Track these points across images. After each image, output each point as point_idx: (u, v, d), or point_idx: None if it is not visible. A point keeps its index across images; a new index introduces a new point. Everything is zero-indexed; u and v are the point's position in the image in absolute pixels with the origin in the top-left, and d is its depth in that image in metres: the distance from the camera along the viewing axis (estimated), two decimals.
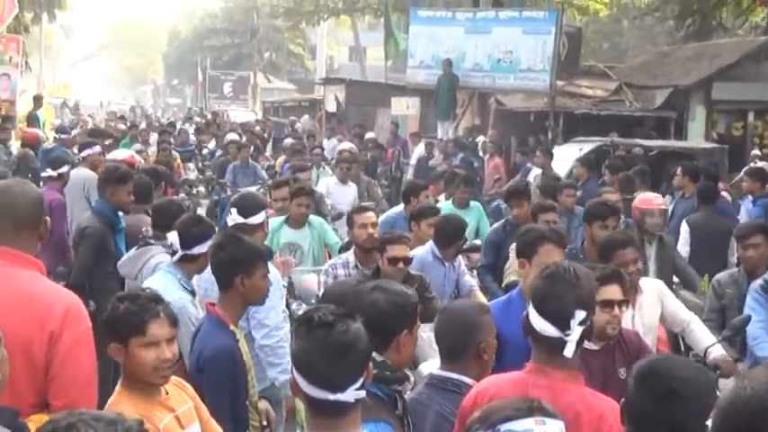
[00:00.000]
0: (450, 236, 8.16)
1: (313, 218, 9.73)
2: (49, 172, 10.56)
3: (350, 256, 7.89)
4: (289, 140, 21.00)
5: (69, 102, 50.36)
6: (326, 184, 13.29)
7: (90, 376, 4.01)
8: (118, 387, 4.08)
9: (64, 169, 10.46)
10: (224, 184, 15.99)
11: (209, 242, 5.75)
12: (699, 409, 3.00)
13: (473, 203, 11.29)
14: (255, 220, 6.73)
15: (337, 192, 12.81)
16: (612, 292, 4.94)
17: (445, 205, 10.92)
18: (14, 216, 4.09)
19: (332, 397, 2.97)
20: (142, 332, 3.95)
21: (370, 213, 8.02)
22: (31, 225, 4.14)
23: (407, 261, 7.06)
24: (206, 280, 5.98)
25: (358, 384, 3.01)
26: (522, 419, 2.90)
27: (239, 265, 4.93)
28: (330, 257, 9.67)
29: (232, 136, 20.89)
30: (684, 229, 10.29)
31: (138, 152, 15.40)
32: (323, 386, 2.98)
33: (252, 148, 18.90)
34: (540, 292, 3.78)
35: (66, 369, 3.92)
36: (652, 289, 6.39)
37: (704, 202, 10.78)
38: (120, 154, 13.23)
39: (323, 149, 18.42)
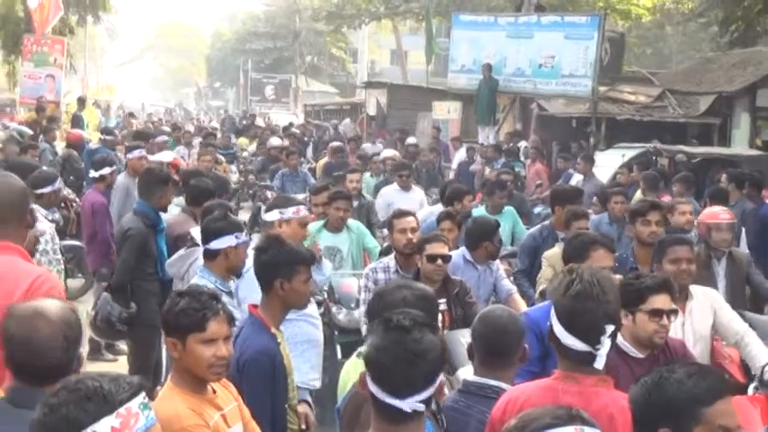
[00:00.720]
0: (477, 237, 8.13)
1: (351, 222, 9.72)
2: (92, 173, 10.67)
3: (390, 260, 7.86)
4: (335, 143, 20.93)
5: (113, 103, 50.74)
6: (388, 192, 13.08)
7: None
8: (168, 382, 4.13)
9: (105, 171, 10.55)
10: (270, 187, 15.89)
11: (231, 238, 5.79)
12: None
13: (507, 209, 11.21)
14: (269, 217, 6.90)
15: (402, 199, 12.33)
16: (662, 301, 4.81)
17: (476, 210, 10.88)
18: (11, 208, 4.33)
19: (389, 401, 3.00)
20: (202, 329, 4.00)
21: (410, 218, 7.92)
22: (17, 216, 4.36)
23: (446, 259, 7.01)
24: (248, 283, 5.97)
25: (420, 396, 3.01)
26: (562, 427, 2.85)
27: (279, 269, 4.93)
28: (368, 262, 9.70)
29: (275, 141, 20.69)
30: None
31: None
32: (384, 388, 3.01)
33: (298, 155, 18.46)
34: (569, 311, 3.73)
35: None
36: (704, 296, 6.26)
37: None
38: (165, 156, 13.30)
39: (372, 155, 18.14)
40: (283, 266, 4.95)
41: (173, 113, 56.65)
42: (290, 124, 33.81)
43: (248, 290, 5.91)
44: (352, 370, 4.52)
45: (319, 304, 8.80)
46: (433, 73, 29.76)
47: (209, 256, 5.86)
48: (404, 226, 7.79)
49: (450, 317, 6.76)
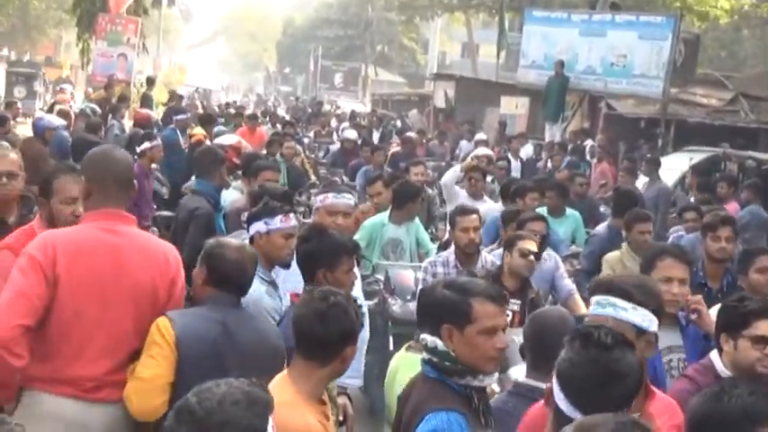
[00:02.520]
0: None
1: None
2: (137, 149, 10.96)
3: (450, 255, 7.82)
4: (410, 133, 20.74)
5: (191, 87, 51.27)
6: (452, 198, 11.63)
7: None
8: (289, 385, 3.96)
9: (145, 146, 10.94)
10: (352, 185, 15.32)
11: (259, 224, 5.60)
12: None
13: (570, 212, 11.06)
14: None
15: None
16: (766, 328, 4.47)
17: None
18: (116, 178, 4.51)
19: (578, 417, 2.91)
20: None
21: (474, 216, 7.81)
22: (127, 186, 4.57)
23: (537, 256, 7.14)
24: (292, 273, 5.87)
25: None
26: None
27: (322, 259, 4.90)
28: (420, 253, 9.68)
29: (350, 133, 19.58)
30: None
31: None
32: (577, 405, 2.95)
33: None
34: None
35: (177, 308, 4.55)
36: None
37: None
38: (228, 139, 13.37)
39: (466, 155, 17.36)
40: (326, 256, 4.92)
41: (249, 97, 57.05)
42: (353, 112, 33.77)
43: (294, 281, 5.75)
44: (402, 363, 4.50)
45: (375, 294, 8.82)
46: (503, 67, 29.61)
47: (251, 242, 5.62)
48: (467, 225, 7.70)
49: (520, 320, 6.65)
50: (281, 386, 3.79)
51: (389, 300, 8.61)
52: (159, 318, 4.33)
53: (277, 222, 5.59)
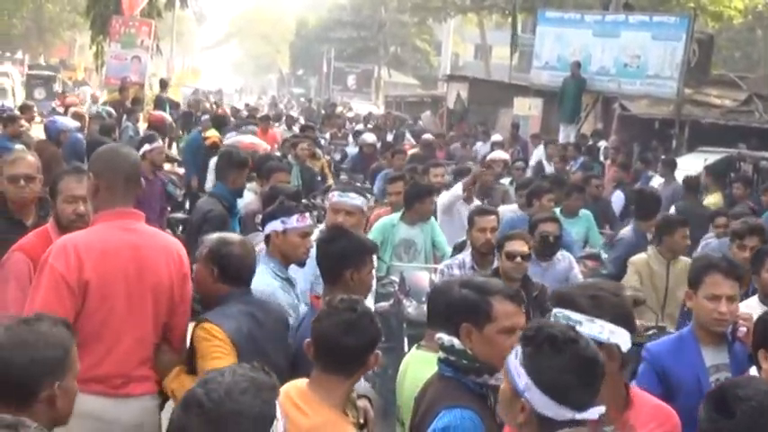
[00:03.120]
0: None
1: None
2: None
3: (467, 256, 7.77)
4: (428, 136, 20.63)
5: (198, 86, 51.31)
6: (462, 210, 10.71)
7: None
8: (312, 394, 3.93)
9: (145, 148, 10.79)
10: (369, 189, 14.59)
11: (276, 223, 5.59)
12: None
13: (583, 212, 10.97)
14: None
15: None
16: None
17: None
18: (125, 176, 4.57)
19: (576, 417, 2.89)
20: None
21: (492, 217, 7.75)
22: (134, 184, 4.63)
23: (526, 257, 6.92)
24: (311, 274, 5.86)
25: (595, 409, 2.91)
26: None
27: (349, 260, 4.88)
28: (436, 255, 9.64)
29: (369, 137, 19.01)
30: None
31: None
32: (569, 405, 2.90)
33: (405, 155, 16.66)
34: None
35: (187, 305, 4.75)
36: None
37: None
38: (244, 139, 13.34)
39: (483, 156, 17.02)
40: (353, 257, 4.91)
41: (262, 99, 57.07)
42: (369, 114, 33.70)
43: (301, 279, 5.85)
44: (412, 361, 4.50)
45: (389, 296, 8.82)
46: (515, 68, 29.60)
47: (266, 241, 5.71)
48: (484, 225, 7.64)
49: (526, 320, 6.56)
50: (311, 404, 3.76)
51: (404, 301, 8.58)
52: (204, 323, 4.47)
53: (293, 221, 5.61)
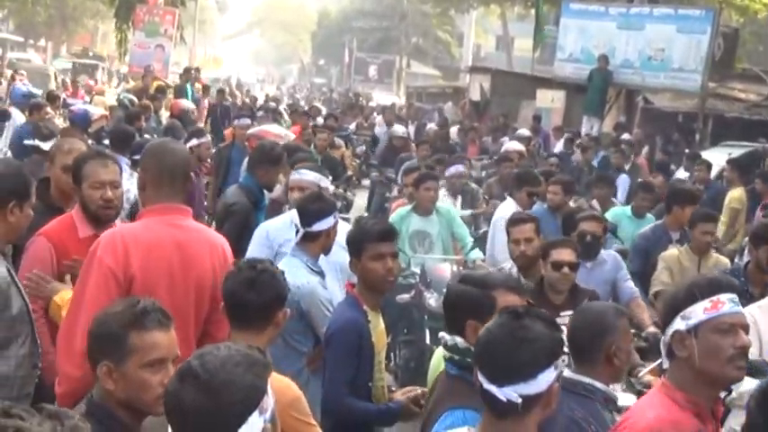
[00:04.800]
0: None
1: (441, 205, 9.54)
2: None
3: (513, 267, 7.13)
4: (455, 127, 20.44)
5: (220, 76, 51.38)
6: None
7: None
8: None
9: (192, 143, 10.78)
10: (392, 179, 14.77)
11: (331, 219, 5.68)
12: None
13: (649, 215, 10.37)
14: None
15: None
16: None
17: (621, 211, 10.43)
18: (171, 172, 4.56)
19: (487, 387, 2.91)
20: None
21: (527, 226, 7.08)
22: (182, 180, 4.62)
23: (574, 266, 6.33)
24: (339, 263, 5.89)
25: (519, 388, 2.87)
26: None
27: (350, 248, 5.00)
28: (457, 248, 9.56)
29: (399, 129, 18.43)
30: None
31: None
32: (485, 373, 2.93)
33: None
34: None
35: None
36: None
37: None
38: (275, 129, 13.23)
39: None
40: (351, 245, 4.99)
41: (281, 89, 57.09)
42: (393, 105, 33.58)
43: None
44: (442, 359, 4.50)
45: (410, 288, 8.80)
46: (537, 60, 29.48)
47: (310, 237, 5.68)
48: (518, 235, 7.03)
49: None
50: None
51: (425, 293, 8.57)
52: None
53: (337, 215, 5.83)
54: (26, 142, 9.78)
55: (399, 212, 9.52)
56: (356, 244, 4.95)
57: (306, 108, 27.03)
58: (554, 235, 7.83)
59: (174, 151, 4.71)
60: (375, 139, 20.91)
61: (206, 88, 26.65)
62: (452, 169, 11.05)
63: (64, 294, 4.63)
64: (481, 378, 2.95)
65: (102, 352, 3.27)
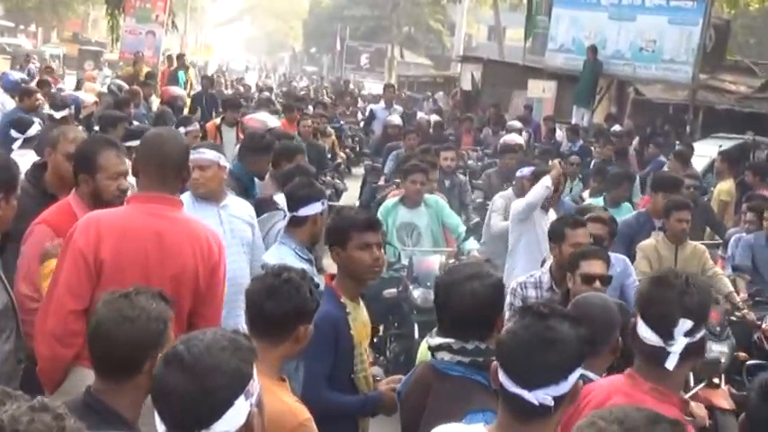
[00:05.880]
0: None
1: (429, 197, 9.43)
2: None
3: (544, 274, 6.77)
4: (435, 117, 20.23)
5: (210, 63, 51.22)
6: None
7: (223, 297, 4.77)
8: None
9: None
10: (379, 169, 14.70)
11: (318, 205, 5.71)
12: None
13: (625, 204, 10.57)
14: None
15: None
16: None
17: (595, 201, 10.41)
18: (163, 162, 4.53)
19: (516, 391, 2.87)
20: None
21: (584, 230, 6.64)
22: (177, 170, 4.57)
23: (605, 280, 5.82)
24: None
25: (550, 390, 2.85)
26: None
27: (331, 236, 4.91)
28: (449, 238, 9.46)
29: (395, 119, 17.83)
30: None
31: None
32: (512, 376, 2.89)
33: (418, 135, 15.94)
34: (646, 295, 3.53)
35: (218, 293, 4.65)
36: None
37: None
38: (271, 120, 13.18)
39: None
40: (334, 233, 4.89)
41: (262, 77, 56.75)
42: (392, 85, 33.30)
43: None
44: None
45: (397, 282, 8.75)
46: (529, 51, 29.41)
47: (296, 222, 5.74)
48: (577, 240, 6.49)
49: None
50: None
51: (411, 287, 8.49)
52: None
53: (326, 202, 5.89)
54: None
55: (386, 204, 9.47)
56: (341, 233, 4.84)
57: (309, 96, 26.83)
58: None
59: (166, 141, 4.67)
60: (371, 117, 20.53)
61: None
62: (525, 170, 9.86)
63: (51, 263, 4.62)
64: (506, 381, 2.90)
65: None
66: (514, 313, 3.06)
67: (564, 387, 2.87)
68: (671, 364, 3.43)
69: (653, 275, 3.62)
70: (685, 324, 3.40)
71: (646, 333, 3.47)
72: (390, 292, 8.55)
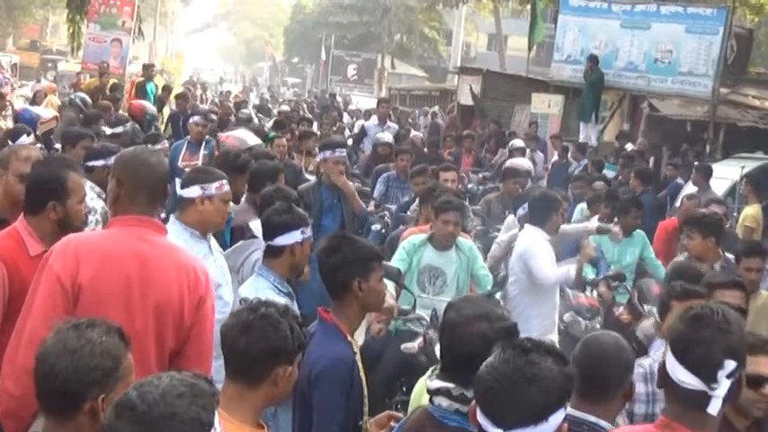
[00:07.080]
0: None
1: (463, 241, 8.70)
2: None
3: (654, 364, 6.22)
4: (432, 137, 20.22)
5: (183, 73, 51.25)
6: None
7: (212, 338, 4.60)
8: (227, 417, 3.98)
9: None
10: (366, 192, 13.84)
11: (297, 234, 5.68)
12: None
13: (637, 232, 10.47)
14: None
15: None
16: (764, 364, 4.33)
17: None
18: (148, 184, 4.56)
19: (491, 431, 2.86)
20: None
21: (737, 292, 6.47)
22: (158, 193, 4.62)
23: (742, 313, 5.67)
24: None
25: (528, 431, 2.84)
26: None
27: (355, 268, 4.77)
28: (474, 290, 8.64)
29: (387, 136, 17.24)
30: None
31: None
32: (488, 414, 2.88)
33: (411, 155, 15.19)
34: (683, 336, 3.45)
35: (205, 332, 4.55)
36: None
37: None
38: (251, 138, 13.13)
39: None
40: (357, 264, 4.80)
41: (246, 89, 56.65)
42: (387, 99, 33.28)
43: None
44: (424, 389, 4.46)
45: (416, 335, 8.00)
46: (533, 61, 29.53)
47: (273, 252, 5.71)
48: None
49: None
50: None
51: (433, 341, 7.91)
52: None
53: (308, 231, 5.79)
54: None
55: (412, 240, 8.63)
56: (364, 263, 4.79)
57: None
58: None
59: (155, 165, 4.69)
60: (362, 134, 20.35)
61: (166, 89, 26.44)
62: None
63: None
64: (483, 421, 2.91)
65: None
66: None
67: (544, 429, 2.86)
68: (714, 409, 3.38)
69: (686, 314, 3.52)
70: (729, 365, 3.37)
71: (685, 377, 3.40)
72: (409, 346, 7.86)
